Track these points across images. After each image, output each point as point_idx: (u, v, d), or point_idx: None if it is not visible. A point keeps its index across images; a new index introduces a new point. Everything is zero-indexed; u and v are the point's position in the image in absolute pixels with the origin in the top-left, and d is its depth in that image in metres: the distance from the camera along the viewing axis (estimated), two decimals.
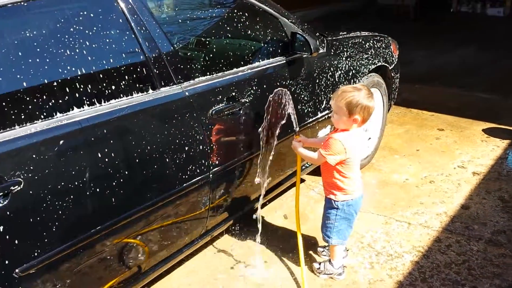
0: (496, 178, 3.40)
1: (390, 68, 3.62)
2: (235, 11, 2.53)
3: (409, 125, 4.46)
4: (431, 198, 3.15)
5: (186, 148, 1.98)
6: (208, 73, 2.17)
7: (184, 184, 2.01)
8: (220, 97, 2.14)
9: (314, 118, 2.80)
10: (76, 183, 1.61)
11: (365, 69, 3.26)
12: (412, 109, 4.87)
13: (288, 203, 3.15)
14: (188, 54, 2.31)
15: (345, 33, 3.38)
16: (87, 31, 1.74)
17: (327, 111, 2.91)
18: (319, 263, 2.46)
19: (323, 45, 2.87)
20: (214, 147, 2.12)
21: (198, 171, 2.05)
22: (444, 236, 2.73)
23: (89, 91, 1.70)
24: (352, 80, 3.12)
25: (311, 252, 2.60)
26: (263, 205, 2.95)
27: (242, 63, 2.35)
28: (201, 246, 2.64)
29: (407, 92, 5.27)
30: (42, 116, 1.57)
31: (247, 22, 2.53)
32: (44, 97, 1.59)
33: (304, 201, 3.13)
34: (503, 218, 2.90)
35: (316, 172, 3.04)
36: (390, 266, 2.50)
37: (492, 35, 8.34)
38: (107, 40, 1.80)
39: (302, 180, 3.40)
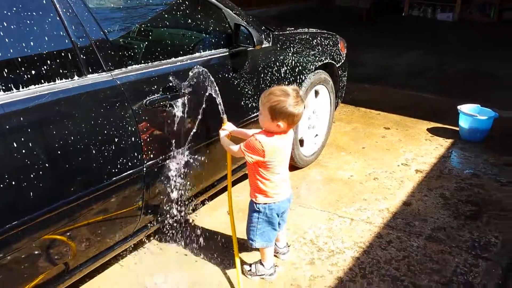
0: (438, 176, 3.46)
1: (337, 65, 3.63)
2: None
3: (357, 123, 4.50)
4: (374, 195, 3.17)
5: (116, 140, 1.86)
6: (143, 62, 2.06)
7: (114, 178, 1.89)
8: (155, 87, 2.04)
9: (257, 113, 2.74)
10: None
11: (311, 66, 3.23)
12: (360, 107, 4.93)
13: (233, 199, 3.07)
14: (122, 41, 2.19)
15: (292, 28, 3.34)
16: (5, 11, 1.61)
17: None
18: (250, 265, 2.37)
19: (269, 39, 2.83)
20: (148, 139, 2.01)
21: (130, 164, 1.94)
22: (385, 232, 2.74)
23: (4, 75, 1.56)
24: (298, 76, 3.09)
25: (254, 251, 2.53)
26: (203, 202, 2.87)
27: (181, 52, 2.26)
28: (136, 243, 2.53)
29: (356, 91, 5.34)
30: None
31: (188, 11, 2.45)
32: None
33: (246, 199, 3.06)
34: (444, 215, 2.94)
35: None
36: (331, 262, 2.48)
37: (440, 39, 8.61)
38: (27, 22, 1.65)
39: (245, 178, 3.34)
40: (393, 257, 2.52)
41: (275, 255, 2.43)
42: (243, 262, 2.41)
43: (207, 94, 2.22)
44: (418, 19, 11.11)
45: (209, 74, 2.20)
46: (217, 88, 2.22)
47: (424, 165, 3.63)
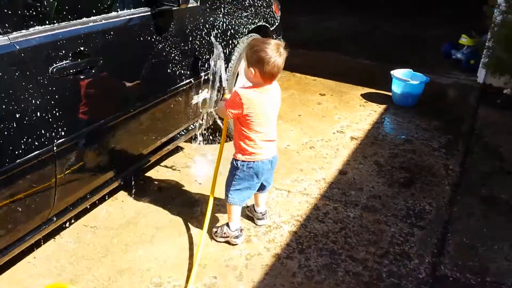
0: (372, 143, 3.44)
1: (271, 29, 3.44)
2: None
3: (293, 90, 4.39)
4: (311, 164, 3.09)
5: (18, 116, 1.59)
6: (47, 22, 1.76)
7: (19, 160, 1.62)
8: (63, 52, 1.76)
9: (186, 82, 2.52)
10: None
11: (244, 29, 3.03)
12: (296, 73, 4.81)
13: (163, 174, 2.88)
14: None
15: None
16: None
17: (203, 74, 2.64)
18: (217, 227, 2.34)
19: None
20: (57, 114, 1.74)
21: (36, 143, 1.68)
22: (322, 203, 2.67)
23: None
24: (230, 40, 2.88)
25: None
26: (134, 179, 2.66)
27: (94, 11, 1.96)
28: (60, 227, 2.26)
29: (291, 56, 5.17)
30: None
31: None
32: None
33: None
34: (378, 182, 2.92)
35: None
36: (268, 238, 2.37)
37: (374, 3, 8.59)
38: None
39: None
40: (330, 229, 2.46)
41: (252, 220, 2.47)
42: (212, 226, 2.38)
43: (125, 60, 1.98)
44: None
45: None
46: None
47: (359, 132, 3.60)
